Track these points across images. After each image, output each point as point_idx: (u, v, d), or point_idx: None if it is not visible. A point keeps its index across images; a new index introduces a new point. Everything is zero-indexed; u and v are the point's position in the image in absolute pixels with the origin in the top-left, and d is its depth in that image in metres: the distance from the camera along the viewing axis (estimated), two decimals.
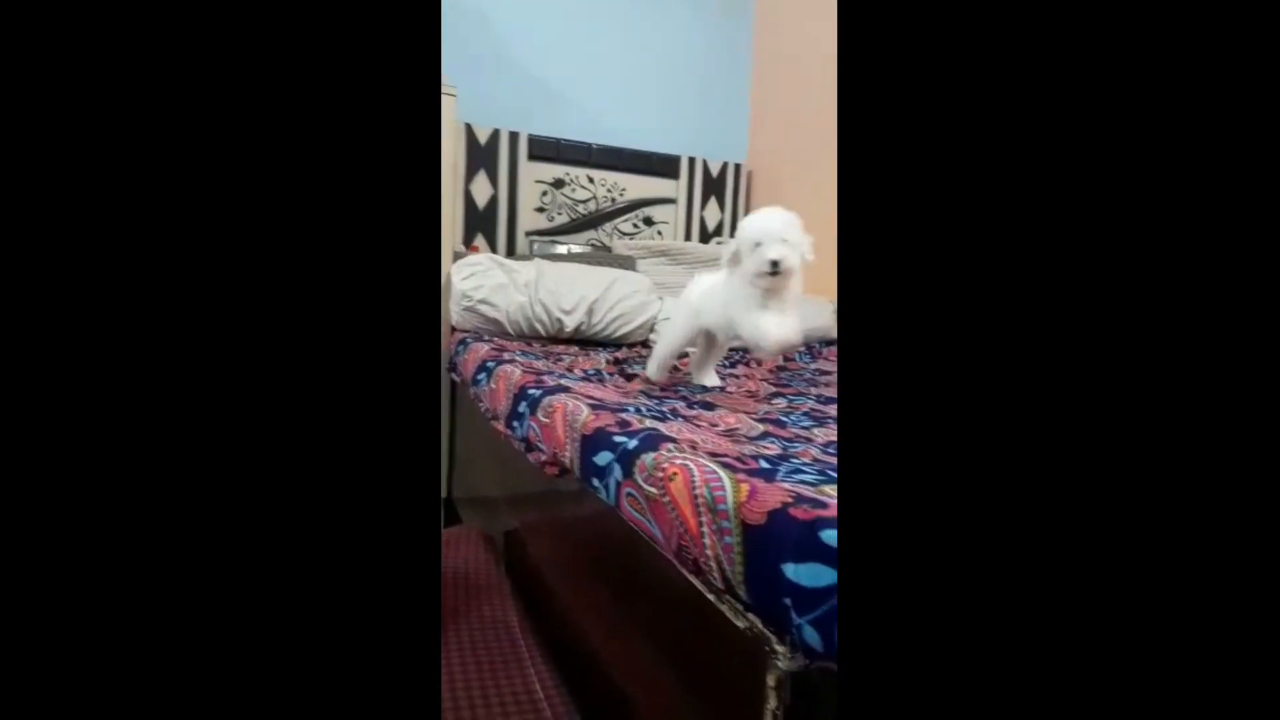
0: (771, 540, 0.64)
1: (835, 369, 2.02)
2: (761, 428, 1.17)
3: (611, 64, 2.88)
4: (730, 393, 1.54)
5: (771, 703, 0.62)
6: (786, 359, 2.15)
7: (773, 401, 1.46)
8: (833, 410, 1.34)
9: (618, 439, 0.93)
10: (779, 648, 0.62)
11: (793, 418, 1.28)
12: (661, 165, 2.90)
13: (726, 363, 1.94)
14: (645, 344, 2.30)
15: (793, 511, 0.66)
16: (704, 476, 0.76)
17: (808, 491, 0.71)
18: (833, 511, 0.66)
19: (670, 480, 0.78)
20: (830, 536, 0.63)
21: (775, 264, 1.19)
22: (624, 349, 2.22)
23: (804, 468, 0.85)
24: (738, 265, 1.28)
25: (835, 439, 1.10)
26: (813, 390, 1.57)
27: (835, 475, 0.82)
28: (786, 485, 0.73)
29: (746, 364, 2.00)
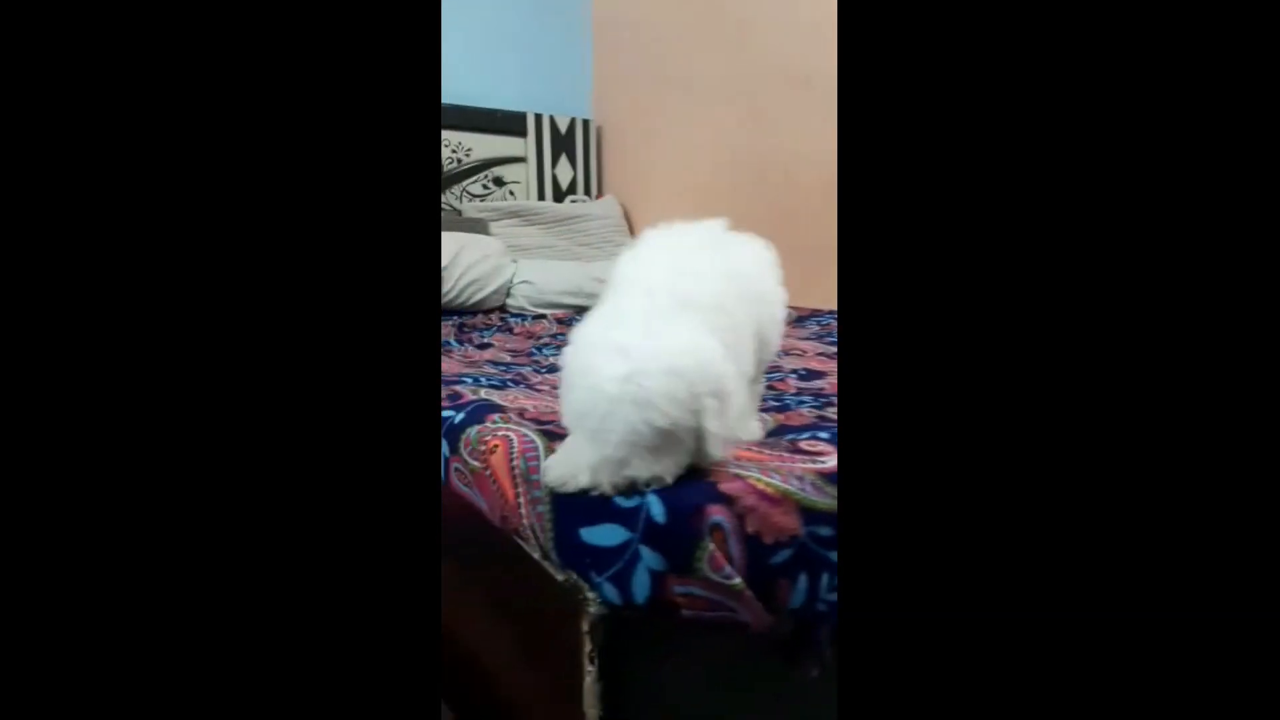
0: (574, 505, 0.70)
1: None
2: None
3: (446, 17, 2.79)
4: None
5: (587, 645, 0.69)
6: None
7: None
8: None
9: (444, 413, 0.96)
10: (590, 595, 0.69)
11: None
12: (507, 122, 2.86)
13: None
14: (502, 309, 2.31)
15: None
16: (522, 446, 0.81)
17: None
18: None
19: (491, 453, 0.82)
20: (620, 497, 0.69)
21: None
22: (479, 315, 2.23)
23: None
24: None
25: None
26: None
27: None
28: None
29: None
